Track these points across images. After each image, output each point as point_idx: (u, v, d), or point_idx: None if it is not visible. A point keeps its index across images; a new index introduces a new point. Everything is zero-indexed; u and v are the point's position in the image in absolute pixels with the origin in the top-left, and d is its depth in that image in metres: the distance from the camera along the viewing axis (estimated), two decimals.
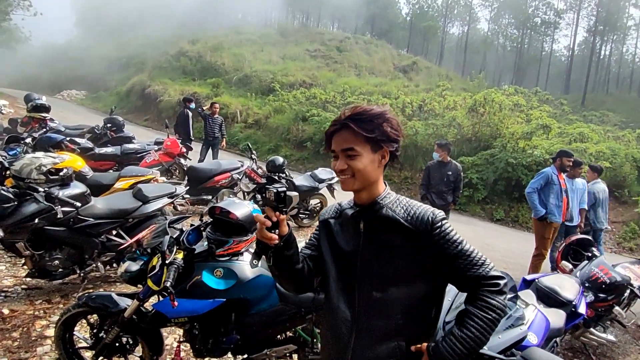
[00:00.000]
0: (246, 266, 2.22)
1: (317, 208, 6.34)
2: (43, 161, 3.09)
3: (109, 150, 6.31)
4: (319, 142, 13.61)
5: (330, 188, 6.31)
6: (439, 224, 1.15)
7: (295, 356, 2.45)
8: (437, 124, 12.68)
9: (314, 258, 1.32)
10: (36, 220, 2.92)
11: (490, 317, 1.11)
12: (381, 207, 1.19)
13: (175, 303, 1.84)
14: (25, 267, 3.21)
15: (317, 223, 5.26)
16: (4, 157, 3.27)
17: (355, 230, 1.23)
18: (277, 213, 1.11)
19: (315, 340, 2.40)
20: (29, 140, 4.75)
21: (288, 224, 1.18)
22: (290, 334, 2.43)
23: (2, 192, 2.87)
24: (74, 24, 45.47)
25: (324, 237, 1.31)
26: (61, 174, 3.14)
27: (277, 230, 1.13)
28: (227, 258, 2.20)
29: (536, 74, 43.54)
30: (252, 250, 2.32)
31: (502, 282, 1.15)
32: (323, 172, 6.32)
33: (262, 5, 41.32)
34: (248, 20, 42.13)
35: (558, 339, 2.57)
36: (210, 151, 9.00)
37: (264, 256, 1.20)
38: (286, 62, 23.45)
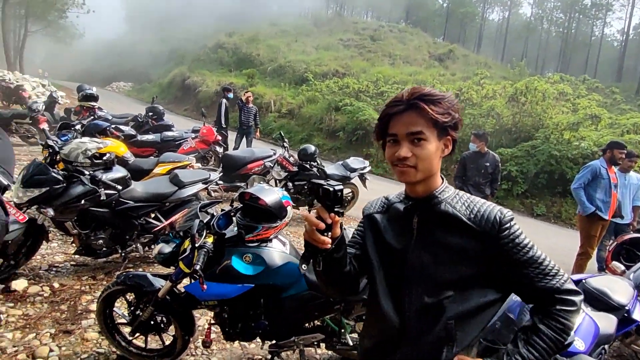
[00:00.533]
0: (275, 253, 2.24)
1: (349, 197, 6.32)
2: (88, 146, 3.27)
3: (149, 137, 6.59)
4: (351, 132, 13.56)
5: (362, 177, 6.27)
6: (508, 225, 1.02)
7: (323, 345, 2.45)
8: (474, 114, 12.26)
9: (358, 257, 1.20)
10: (82, 202, 3.11)
11: (562, 339, 1.00)
12: (439, 202, 1.07)
13: (204, 286, 1.88)
14: (73, 245, 3.44)
15: (347, 212, 5.22)
16: (55, 142, 3.49)
17: (407, 226, 1.10)
18: (332, 214, 0.98)
19: (343, 330, 2.38)
20: (78, 126, 5.10)
21: (341, 225, 1.04)
22: (318, 323, 2.43)
23: (53, 174, 3.07)
24: (123, 20, 47.86)
25: (370, 234, 1.19)
26: (104, 158, 3.32)
27: (329, 233, 0.99)
28: (256, 244, 2.22)
29: (584, 61, 40.65)
30: (282, 238, 2.38)
31: (578, 298, 1.02)
32: (355, 162, 6.29)
33: None
34: (283, 11, 42.41)
35: (607, 346, 2.38)
36: (244, 139, 9.19)
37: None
38: (320, 52, 23.54)
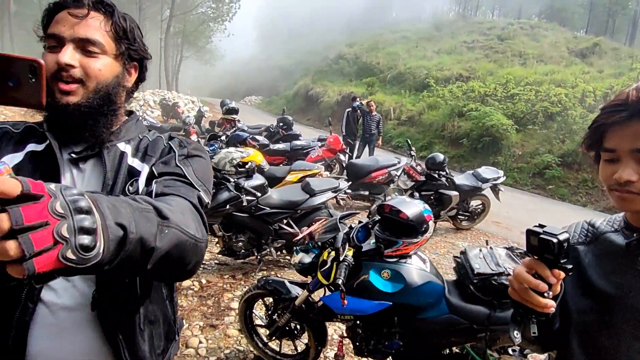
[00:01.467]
0: (414, 270, 2.08)
1: (478, 210, 5.83)
2: (234, 155, 3.58)
3: (280, 146, 7.08)
4: (476, 139, 12.57)
5: (495, 189, 5.70)
6: None
7: None
8: None
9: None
10: (227, 207, 3.40)
11: None
12: None
13: (346, 301, 1.82)
14: (218, 245, 3.79)
15: (477, 226, 4.69)
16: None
17: (627, 265, 0.84)
18: (556, 271, 0.76)
19: None
20: (223, 137, 5.72)
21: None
22: (457, 350, 2.19)
23: None
24: (255, 40, 54.12)
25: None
26: (247, 167, 3.59)
27: (549, 292, 0.76)
28: (395, 260, 2.09)
29: None
30: (422, 256, 2.19)
31: None
32: (487, 171, 5.75)
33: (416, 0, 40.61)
34: (403, 17, 42.03)
35: None
36: (367, 148, 9.19)
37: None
38: (441, 56, 22.60)
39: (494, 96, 14.42)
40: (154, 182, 0.85)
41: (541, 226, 0.76)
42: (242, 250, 3.66)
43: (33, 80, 0.57)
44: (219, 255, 3.88)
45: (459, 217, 5.75)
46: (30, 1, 31.00)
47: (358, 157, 8.79)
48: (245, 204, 3.41)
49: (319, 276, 2.04)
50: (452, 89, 15.82)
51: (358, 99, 9.48)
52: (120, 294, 0.87)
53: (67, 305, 0.82)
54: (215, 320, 3.01)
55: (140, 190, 0.87)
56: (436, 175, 5.33)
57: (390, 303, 2.02)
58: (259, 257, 3.74)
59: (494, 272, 2.01)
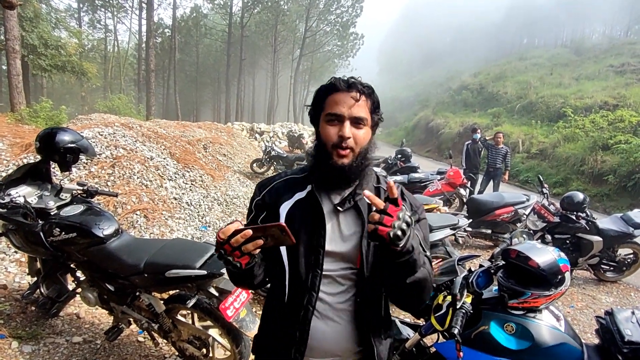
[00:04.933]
0: (545, 328, 1.82)
1: (629, 261, 4.85)
2: None
3: (398, 178, 7.01)
4: (625, 175, 10.60)
5: None
6: None
7: None
8: None
9: None
10: None
11: None
12: None
13: (461, 353, 1.68)
14: None
15: (626, 279, 3.93)
16: None
17: None
18: None
19: None
20: None
21: None
22: None
23: None
24: (377, 74, 56.27)
25: None
26: None
27: None
28: (522, 313, 1.86)
29: None
30: (555, 312, 1.91)
31: None
32: None
33: (550, 24, 36.89)
34: (534, 44, 38.73)
35: None
36: (491, 183, 8.45)
37: None
38: (581, 82, 20.22)
39: None
40: None
41: None
42: None
43: (284, 233, 0.90)
44: None
45: (603, 267, 4.87)
46: (191, 50, 37.91)
47: (480, 192, 8.12)
48: None
49: (433, 321, 1.93)
50: (594, 119, 13.78)
51: (479, 131, 8.79)
52: (373, 304, 1.13)
53: (335, 304, 1.09)
54: None
55: None
56: (574, 217, 4.63)
57: None
58: None
59: None
